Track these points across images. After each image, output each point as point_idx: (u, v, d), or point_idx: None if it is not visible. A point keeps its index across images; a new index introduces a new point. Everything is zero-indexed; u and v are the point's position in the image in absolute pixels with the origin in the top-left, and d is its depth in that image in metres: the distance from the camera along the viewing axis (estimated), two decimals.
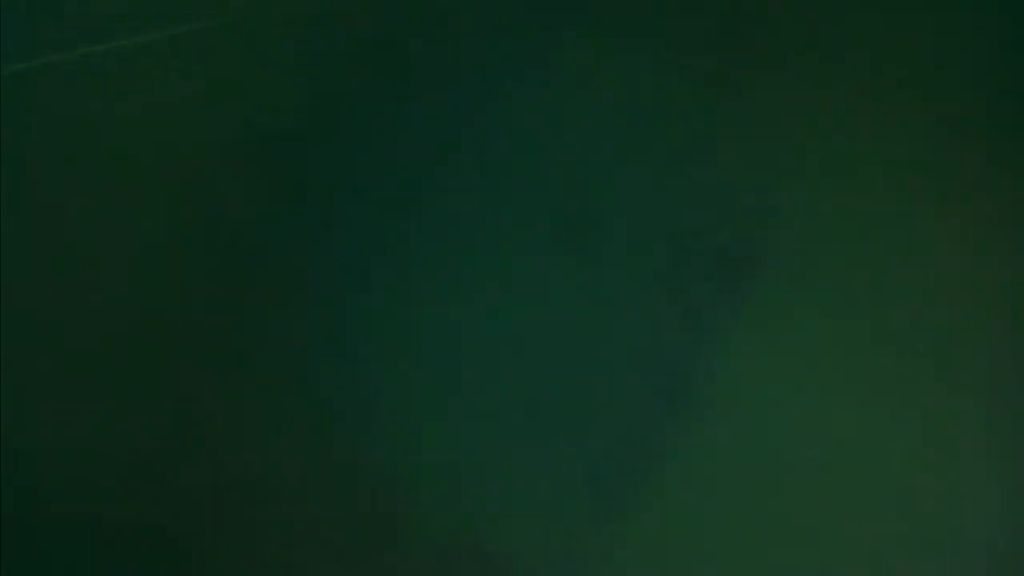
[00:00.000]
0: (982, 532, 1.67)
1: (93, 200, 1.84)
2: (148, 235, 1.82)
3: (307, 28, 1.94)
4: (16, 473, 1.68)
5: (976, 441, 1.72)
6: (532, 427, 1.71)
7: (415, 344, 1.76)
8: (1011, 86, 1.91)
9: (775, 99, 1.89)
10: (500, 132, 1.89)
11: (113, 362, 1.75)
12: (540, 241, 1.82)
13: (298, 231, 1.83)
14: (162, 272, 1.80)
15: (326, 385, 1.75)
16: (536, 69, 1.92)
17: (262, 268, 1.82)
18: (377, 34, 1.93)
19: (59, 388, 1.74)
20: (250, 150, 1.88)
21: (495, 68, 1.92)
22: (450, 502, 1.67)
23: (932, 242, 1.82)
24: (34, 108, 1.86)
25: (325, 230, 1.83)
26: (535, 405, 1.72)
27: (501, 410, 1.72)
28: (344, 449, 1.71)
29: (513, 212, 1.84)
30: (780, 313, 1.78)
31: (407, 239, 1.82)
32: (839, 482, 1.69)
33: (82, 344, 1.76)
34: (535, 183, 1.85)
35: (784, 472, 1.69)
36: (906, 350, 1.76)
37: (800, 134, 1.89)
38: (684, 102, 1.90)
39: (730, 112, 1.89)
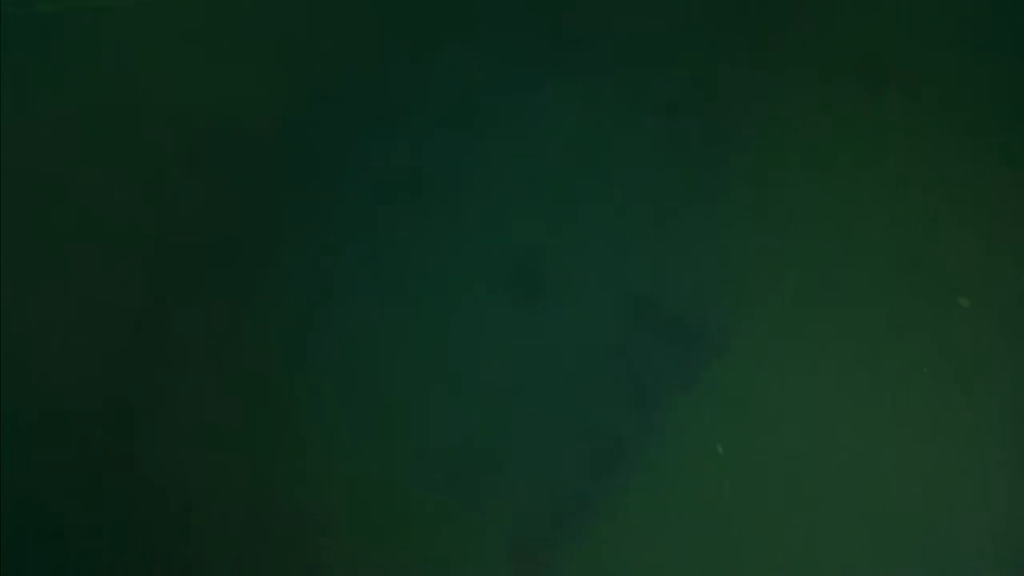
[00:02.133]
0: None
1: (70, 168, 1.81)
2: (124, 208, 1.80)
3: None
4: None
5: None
6: (458, 482, 1.70)
7: (350, 385, 1.75)
8: None
9: (742, 173, 1.87)
10: (466, 175, 1.87)
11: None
12: (492, 293, 1.81)
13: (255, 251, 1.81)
14: (131, 257, 1.79)
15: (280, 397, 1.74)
16: (510, 119, 1.90)
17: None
18: (361, 59, 1.90)
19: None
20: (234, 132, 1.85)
21: (472, 107, 1.89)
22: (369, 554, 1.67)
23: (895, 320, 1.81)
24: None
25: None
26: (464, 460, 1.71)
27: (430, 461, 1.71)
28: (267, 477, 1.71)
29: (469, 260, 1.83)
30: (730, 390, 1.76)
31: (359, 277, 1.80)
32: (766, 550, 1.69)
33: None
34: (495, 235, 1.84)
35: (708, 544, 1.69)
36: (863, 428, 1.74)
37: (764, 207, 1.87)
38: (652, 169, 1.88)
39: (697, 181, 1.87)
